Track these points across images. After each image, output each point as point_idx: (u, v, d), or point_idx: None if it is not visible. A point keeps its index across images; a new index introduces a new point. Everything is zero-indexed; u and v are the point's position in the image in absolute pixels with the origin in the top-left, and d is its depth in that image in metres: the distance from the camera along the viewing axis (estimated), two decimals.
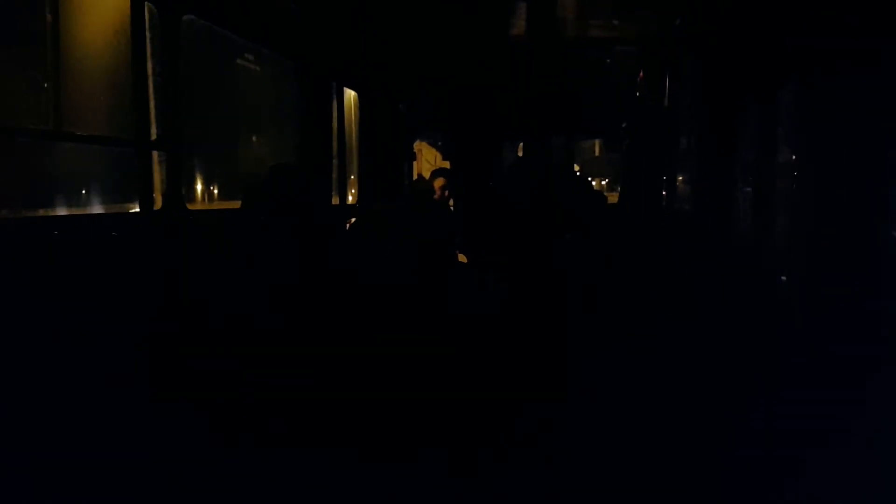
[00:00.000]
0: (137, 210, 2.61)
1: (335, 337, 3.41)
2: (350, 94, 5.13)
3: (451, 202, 5.43)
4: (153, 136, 2.63)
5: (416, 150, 7.49)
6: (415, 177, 6.90)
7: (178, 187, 2.79)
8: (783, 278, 2.91)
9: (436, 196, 5.00)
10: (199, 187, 17.35)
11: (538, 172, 5.02)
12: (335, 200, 4.86)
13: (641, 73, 5.88)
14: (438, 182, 5.06)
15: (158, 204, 2.70)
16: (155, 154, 2.67)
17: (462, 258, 5.18)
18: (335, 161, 4.62)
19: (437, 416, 3.11)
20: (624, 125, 7.26)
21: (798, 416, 2.06)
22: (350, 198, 5.46)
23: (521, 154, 7.66)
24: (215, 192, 18.52)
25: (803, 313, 2.44)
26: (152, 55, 2.62)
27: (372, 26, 4.48)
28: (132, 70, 2.53)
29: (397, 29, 4.66)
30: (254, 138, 19.70)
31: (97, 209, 10.62)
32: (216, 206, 16.01)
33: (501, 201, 5.15)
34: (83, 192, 11.20)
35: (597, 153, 15.12)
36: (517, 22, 4.73)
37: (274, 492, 2.43)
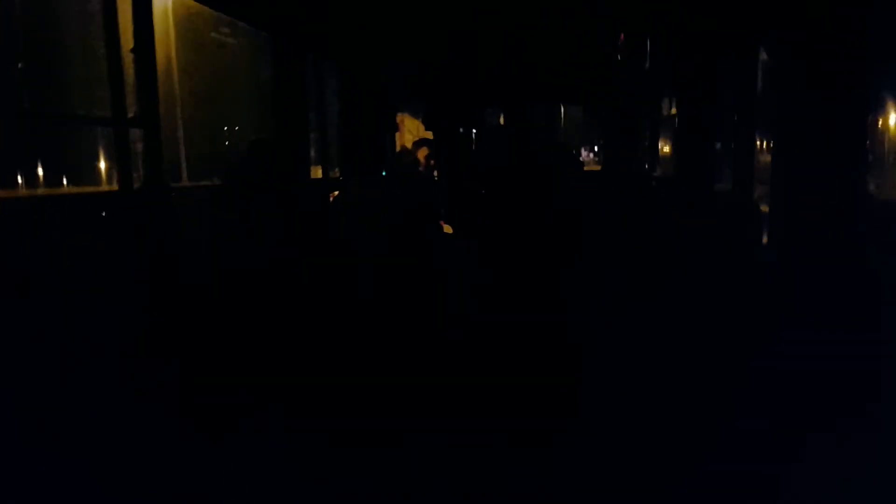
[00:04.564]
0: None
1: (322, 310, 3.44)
2: None
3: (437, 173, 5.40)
4: (131, 114, 2.60)
5: (398, 121, 7.43)
6: (398, 148, 6.85)
7: (159, 165, 2.77)
8: (763, 241, 2.97)
9: (421, 167, 4.97)
10: None
11: (518, 139, 5.02)
12: (318, 174, 4.85)
13: (622, 36, 5.86)
14: (423, 152, 5.02)
15: None
16: None
17: (447, 229, 5.19)
18: (316, 134, 4.59)
19: None
20: (604, 90, 7.24)
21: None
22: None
23: (502, 122, 7.64)
24: None
25: (781, 271, 2.49)
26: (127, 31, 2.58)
27: None
28: (107, 47, 2.49)
29: None
30: None
31: None
32: None
33: (482, 168, 5.16)
34: None
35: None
36: None
37: None
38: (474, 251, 4.59)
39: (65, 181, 3.61)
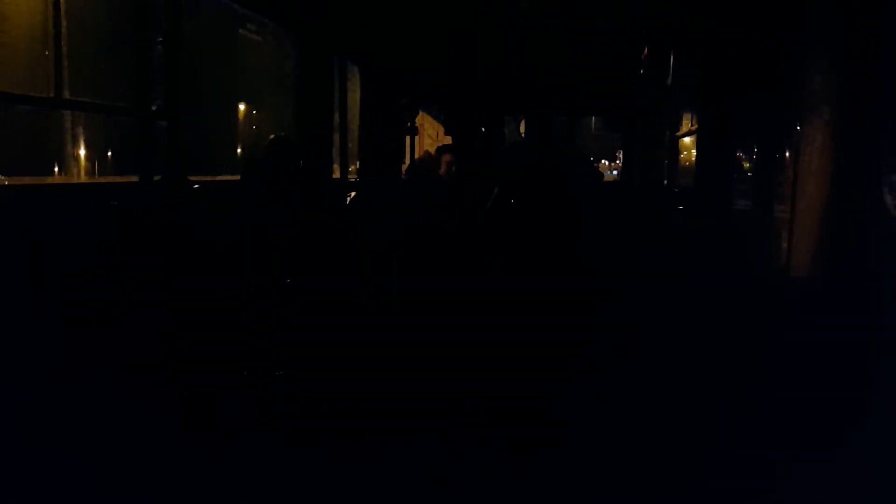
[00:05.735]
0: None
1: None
2: None
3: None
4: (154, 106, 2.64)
5: (418, 123, 7.46)
6: (418, 151, 6.88)
7: (178, 157, 2.80)
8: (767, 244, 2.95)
9: (442, 171, 4.97)
10: None
11: (539, 147, 5.02)
12: (336, 174, 4.88)
13: (646, 51, 5.84)
14: (446, 158, 5.01)
15: None
16: None
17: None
18: (336, 134, 4.61)
19: None
20: (626, 103, 7.22)
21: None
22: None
23: (522, 129, 7.63)
24: None
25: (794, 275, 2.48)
26: (153, 24, 2.62)
27: None
28: (134, 39, 2.53)
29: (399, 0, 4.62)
30: None
31: None
32: None
33: (504, 177, 5.15)
34: None
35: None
36: None
37: None
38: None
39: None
